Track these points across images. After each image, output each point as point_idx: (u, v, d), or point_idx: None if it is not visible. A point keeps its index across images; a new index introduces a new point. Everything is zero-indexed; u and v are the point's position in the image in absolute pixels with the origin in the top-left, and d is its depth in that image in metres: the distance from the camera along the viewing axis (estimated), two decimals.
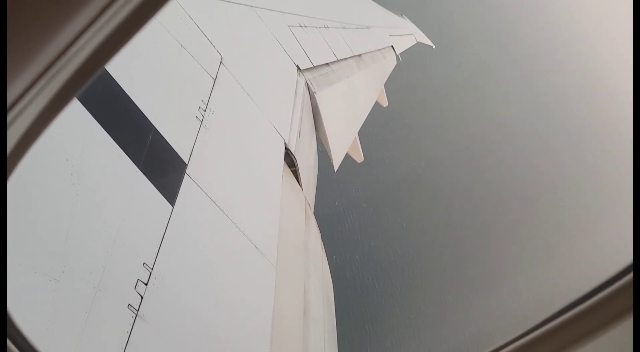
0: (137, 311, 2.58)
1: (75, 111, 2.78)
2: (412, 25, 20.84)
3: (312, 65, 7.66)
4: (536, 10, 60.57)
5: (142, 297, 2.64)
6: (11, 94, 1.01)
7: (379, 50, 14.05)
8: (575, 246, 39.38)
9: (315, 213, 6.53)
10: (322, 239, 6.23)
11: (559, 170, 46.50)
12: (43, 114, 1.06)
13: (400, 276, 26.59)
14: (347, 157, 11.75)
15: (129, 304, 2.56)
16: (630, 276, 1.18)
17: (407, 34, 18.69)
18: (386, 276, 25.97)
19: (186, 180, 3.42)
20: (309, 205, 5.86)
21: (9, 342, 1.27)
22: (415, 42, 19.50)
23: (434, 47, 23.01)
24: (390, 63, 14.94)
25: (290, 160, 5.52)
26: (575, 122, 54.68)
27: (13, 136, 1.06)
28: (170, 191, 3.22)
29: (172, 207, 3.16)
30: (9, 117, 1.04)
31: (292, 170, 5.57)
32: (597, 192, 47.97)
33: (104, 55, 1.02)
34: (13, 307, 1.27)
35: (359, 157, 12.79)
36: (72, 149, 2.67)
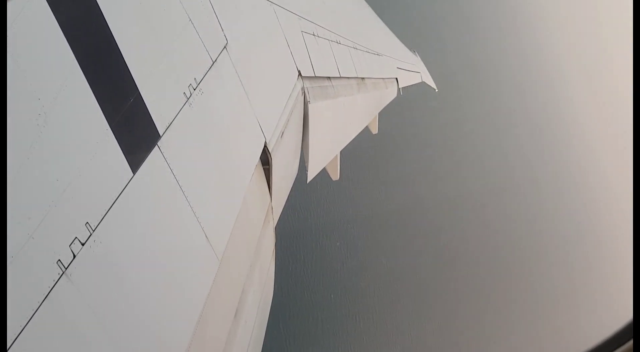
0: (66, 269, 2.50)
1: (62, 55, 2.71)
2: (422, 64, 21.09)
3: (313, 75, 7.66)
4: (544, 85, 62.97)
5: (74, 256, 2.56)
6: None
7: (382, 78, 14.16)
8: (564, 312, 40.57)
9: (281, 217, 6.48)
10: (276, 245, 6.18)
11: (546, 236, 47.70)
12: None
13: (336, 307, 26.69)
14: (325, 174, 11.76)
15: (59, 260, 2.47)
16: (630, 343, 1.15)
17: (414, 71, 18.90)
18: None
19: (155, 151, 3.35)
20: (272, 207, 5.81)
21: None
22: (420, 81, 19.72)
23: (436, 90, 23.33)
24: (390, 94, 15.07)
25: (266, 158, 5.49)
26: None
27: None
28: (135, 158, 3.15)
29: (132, 175, 3.09)
30: None
31: (265, 169, 5.53)
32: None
33: None
34: None
35: (335, 174, 12.82)
36: (47, 89, 2.60)
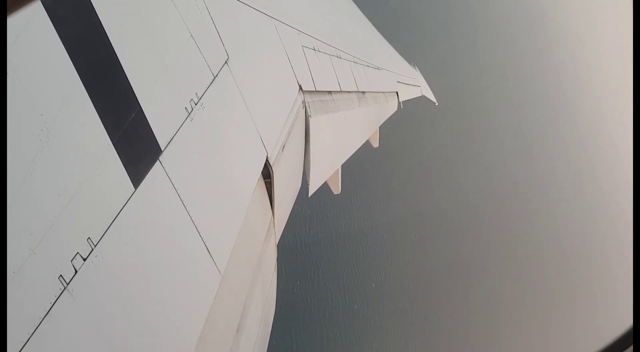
0: (67, 284, 2.48)
1: (64, 71, 2.73)
2: (422, 78, 21.21)
3: (314, 89, 7.69)
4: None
5: (76, 272, 2.55)
6: None
7: (383, 92, 14.22)
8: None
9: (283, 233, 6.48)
10: (278, 259, 6.16)
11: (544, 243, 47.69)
12: None
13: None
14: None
15: (61, 275, 2.46)
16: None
17: (414, 85, 18.99)
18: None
19: (156, 166, 3.34)
20: (274, 222, 5.80)
21: None
22: (420, 95, 19.82)
23: (436, 104, 23.42)
24: (391, 108, 15.12)
25: (267, 172, 5.49)
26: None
27: None
28: (137, 173, 3.14)
29: (134, 190, 3.08)
30: None
31: (266, 182, 5.52)
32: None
33: None
34: None
35: (336, 188, 12.84)
36: (50, 105, 2.60)
